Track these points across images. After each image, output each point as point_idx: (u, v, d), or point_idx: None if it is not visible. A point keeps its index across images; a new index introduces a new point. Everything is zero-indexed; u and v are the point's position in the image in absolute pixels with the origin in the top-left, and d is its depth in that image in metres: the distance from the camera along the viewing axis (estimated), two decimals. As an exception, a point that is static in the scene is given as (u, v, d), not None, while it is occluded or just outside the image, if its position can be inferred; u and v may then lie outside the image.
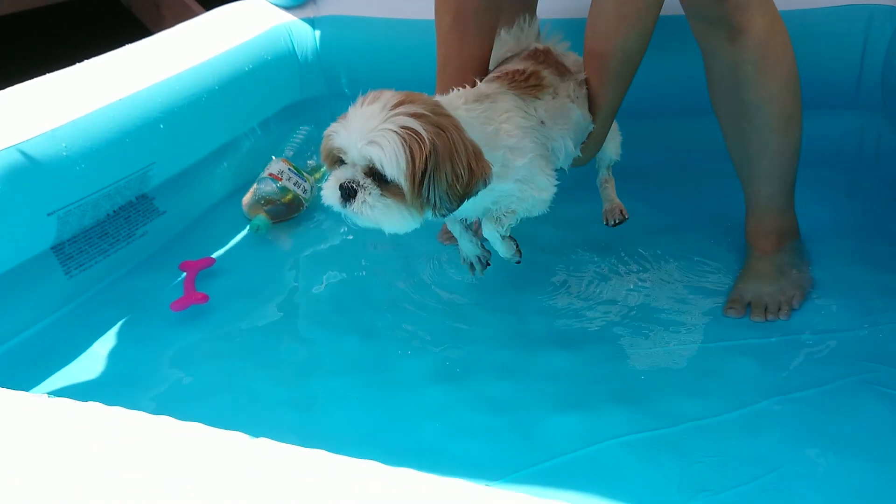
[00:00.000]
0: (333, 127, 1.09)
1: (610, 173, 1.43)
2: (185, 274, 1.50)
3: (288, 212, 1.72)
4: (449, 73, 1.32)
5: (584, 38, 1.27)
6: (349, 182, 1.06)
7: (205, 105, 1.73)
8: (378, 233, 1.16)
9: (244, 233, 1.74)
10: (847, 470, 1.01)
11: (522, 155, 1.15)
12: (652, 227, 1.60)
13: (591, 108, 1.29)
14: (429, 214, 1.08)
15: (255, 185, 1.73)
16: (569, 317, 1.39)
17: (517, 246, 1.27)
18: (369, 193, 1.05)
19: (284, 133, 2.03)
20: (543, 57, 1.30)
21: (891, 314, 1.28)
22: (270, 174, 1.72)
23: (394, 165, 1.01)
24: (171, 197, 1.73)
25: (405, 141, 1.00)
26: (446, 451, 1.11)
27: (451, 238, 1.63)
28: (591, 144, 1.33)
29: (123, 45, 1.75)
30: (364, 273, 1.57)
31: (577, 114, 1.26)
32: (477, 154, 1.05)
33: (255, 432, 0.70)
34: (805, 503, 0.96)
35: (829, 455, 1.03)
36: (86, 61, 1.65)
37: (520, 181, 1.18)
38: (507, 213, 1.21)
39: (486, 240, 1.27)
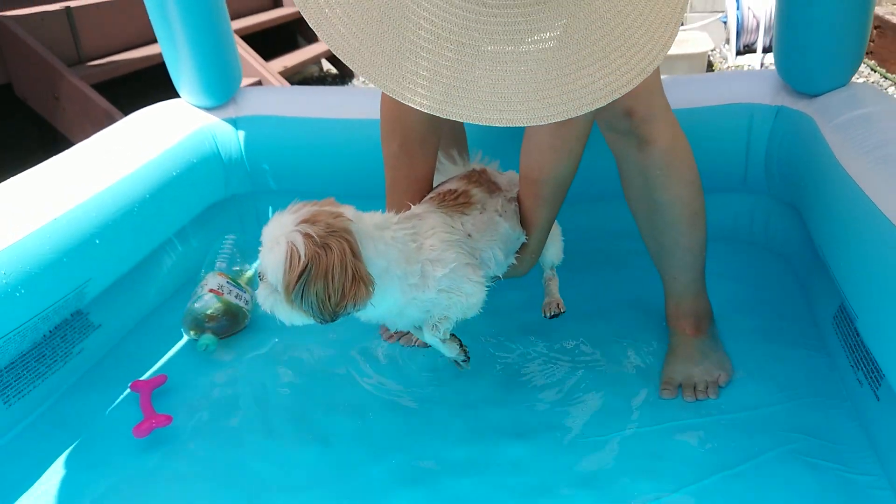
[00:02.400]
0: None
1: (554, 273, 1.55)
2: (138, 395, 1.48)
3: (232, 326, 1.71)
4: (398, 193, 1.42)
5: (520, 164, 1.38)
6: (259, 272, 1.22)
7: (137, 214, 1.72)
8: (322, 337, 1.41)
9: (182, 343, 1.73)
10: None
11: (444, 266, 1.26)
12: (579, 313, 1.71)
13: (525, 225, 1.41)
14: (311, 318, 1.18)
15: (194, 303, 1.70)
16: (519, 405, 1.46)
17: (461, 345, 1.36)
18: (265, 286, 1.20)
19: (211, 235, 2.05)
20: (477, 177, 1.41)
21: (802, 388, 1.43)
22: (211, 290, 1.71)
23: (273, 272, 1.15)
24: (105, 309, 1.70)
25: (288, 254, 1.12)
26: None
27: (393, 335, 1.69)
28: (527, 257, 1.43)
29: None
30: (315, 378, 1.59)
31: (505, 226, 1.37)
32: (356, 280, 1.14)
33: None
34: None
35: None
36: (10, 179, 1.62)
37: (443, 290, 1.27)
38: (440, 319, 1.30)
39: (428, 346, 1.36)
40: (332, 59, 5.16)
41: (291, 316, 1.19)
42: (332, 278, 1.12)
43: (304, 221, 1.14)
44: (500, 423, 1.43)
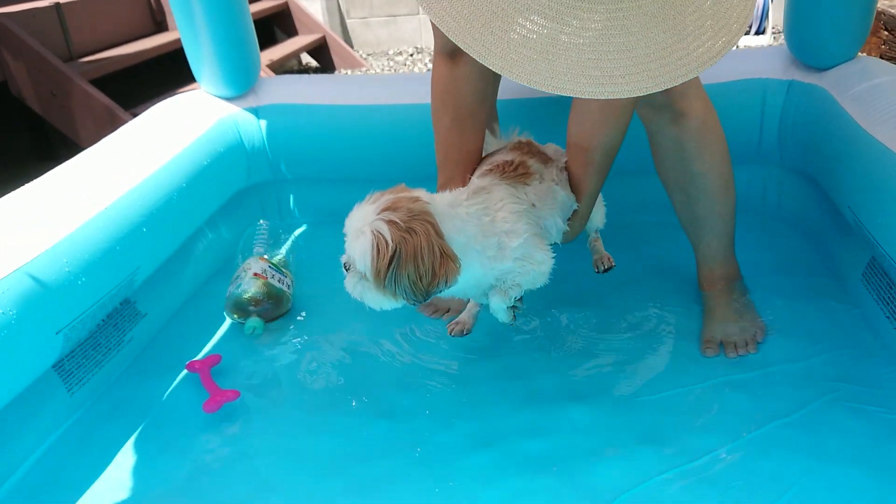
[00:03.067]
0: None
1: (598, 234, 1.61)
2: (196, 375, 1.50)
3: (276, 309, 1.73)
4: (450, 167, 1.46)
5: (568, 133, 1.44)
6: (344, 262, 1.26)
7: (176, 202, 1.74)
8: (364, 319, 1.48)
9: (226, 327, 1.75)
10: (850, 477, 1.20)
11: (518, 236, 1.31)
12: (612, 282, 1.78)
13: (576, 192, 1.47)
14: (402, 301, 1.22)
15: (237, 287, 1.72)
16: (569, 372, 1.53)
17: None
18: (353, 275, 1.24)
19: (238, 223, 2.07)
20: (527, 148, 1.46)
21: (836, 340, 1.52)
22: (255, 274, 1.73)
23: (361, 261, 1.19)
24: (149, 298, 1.71)
25: (375, 242, 1.17)
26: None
27: (434, 311, 1.74)
28: (578, 222, 1.49)
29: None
30: (366, 357, 1.62)
31: (562, 194, 1.43)
32: (443, 258, 1.19)
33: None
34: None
35: (831, 467, 1.23)
36: (49, 172, 1.62)
37: (518, 259, 1.32)
38: (512, 286, 1.35)
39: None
40: (313, 52, 5.15)
41: (381, 301, 1.23)
42: (421, 259, 1.16)
43: (386, 209, 1.19)
44: (555, 389, 1.48)
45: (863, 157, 1.50)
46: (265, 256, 1.81)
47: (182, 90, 2.41)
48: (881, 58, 1.99)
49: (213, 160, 1.93)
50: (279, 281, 1.76)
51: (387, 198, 1.21)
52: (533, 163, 1.42)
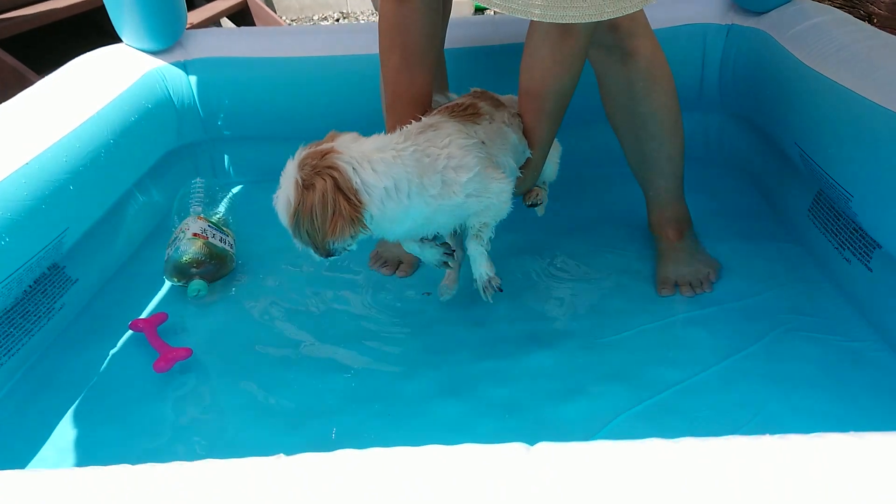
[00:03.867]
0: None
1: (546, 186, 1.58)
2: (141, 334, 1.41)
3: (219, 269, 1.64)
4: (399, 110, 1.40)
5: (520, 80, 1.39)
6: None
7: (104, 158, 1.62)
8: (313, 275, 1.51)
9: (166, 289, 1.65)
10: (812, 400, 1.23)
11: (468, 170, 1.26)
12: (563, 230, 1.77)
13: (529, 141, 1.42)
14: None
15: (175, 249, 1.62)
16: (531, 319, 1.51)
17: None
18: None
19: (171, 184, 1.96)
20: (480, 94, 1.42)
21: (783, 275, 1.55)
22: (195, 234, 1.63)
23: (280, 209, 1.19)
24: (80, 263, 1.60)
25: (285, 200, 1.18)
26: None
27: (383, 265, 1.69)
28: (531, 172, 1.46)
29: None
30: (316, 313, 1.57)
31: (514, 137, 1.39)
32: (336, 215, 1.16)
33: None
34: (797, 431, 1.16)
35: (793, 392, 1.25)
36: (-38, 125, 1.48)
37: (471, 195, 1.28)
38: (481, 227, 1.32)
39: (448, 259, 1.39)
40: (233, 17, 4.94)
41: (311, 254, 1.22)
42: (315, 216, 1.15)
43: (298, 167, 1.18)
44: (516, 336, 1.46)
45: (809, 93, 1.52)
46: (203, 216, 1.72)
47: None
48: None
49: (141, 116, 1.81)
50: (221, 240, 1.67)
51: (301, 153, 1.20)
52: (483, 105, 1.37)
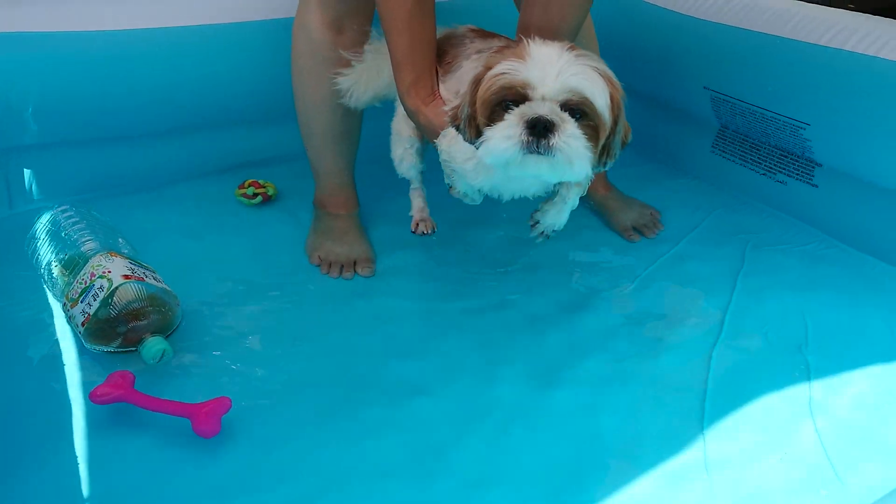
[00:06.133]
0: (509, 64, 1.01)
1: None
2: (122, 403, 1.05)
3: (164, 319, 1.28)
4: (418, 57, 1.29)
5: (527, 15, 1.32)
6: (549, 115, 0.97)
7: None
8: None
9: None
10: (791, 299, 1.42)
11: None
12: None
13: None
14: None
15: (92, 301, 1.22)
16: (519, 287, 1.48)
17: None
18: (571, 127, 0.99)
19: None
20: (478, 32, 1.34)
21: (717, 205, 1.73)
22: (125, 276, 1.25)
23: (601, 100, 1.00)
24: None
25: (605, 81, 1.01)
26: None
27: (330, 268, 1.50)
28: None
29: None
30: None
31: None
32: None
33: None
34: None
35: (787, 293, 1.44)
36: None
37: None
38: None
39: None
40: None
41: (589, 163, 1.03)
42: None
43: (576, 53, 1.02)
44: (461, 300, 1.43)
45: (714, 39, 1.68)
46: (114, 251, 1.33)
47: None
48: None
49: None
50: (154, 279, 1.31)
51: (555, 43, 1.02)
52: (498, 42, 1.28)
